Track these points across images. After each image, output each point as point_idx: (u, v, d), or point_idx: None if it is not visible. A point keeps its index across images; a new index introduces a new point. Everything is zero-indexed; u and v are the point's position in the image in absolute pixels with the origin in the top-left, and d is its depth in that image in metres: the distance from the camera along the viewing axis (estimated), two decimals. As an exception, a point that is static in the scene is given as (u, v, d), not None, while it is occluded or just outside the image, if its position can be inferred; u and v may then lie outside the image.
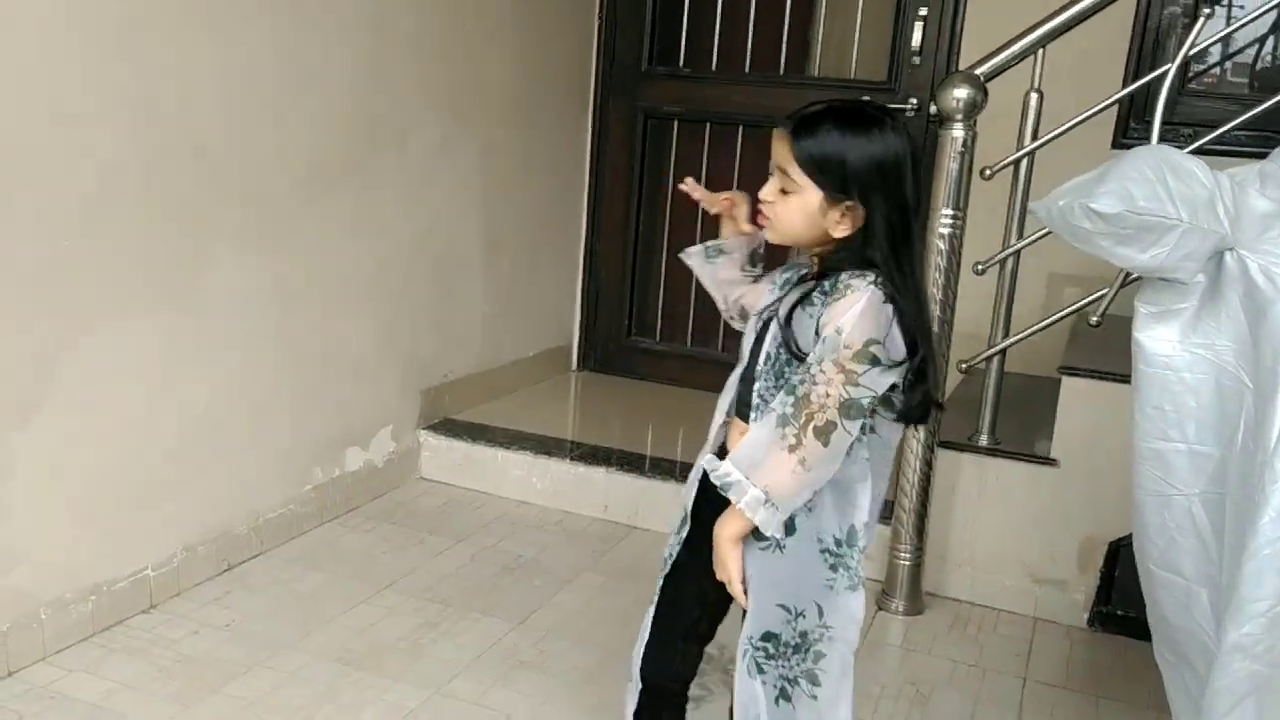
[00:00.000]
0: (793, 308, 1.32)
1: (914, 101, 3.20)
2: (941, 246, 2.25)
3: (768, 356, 1.35)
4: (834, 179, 1.29)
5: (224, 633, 2.12)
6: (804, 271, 1.38)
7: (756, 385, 1.36)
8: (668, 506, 2.77)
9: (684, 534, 1.46)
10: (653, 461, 2.94)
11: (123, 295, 2.05)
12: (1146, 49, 3.03)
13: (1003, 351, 2.42)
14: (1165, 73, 2.26)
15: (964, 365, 2.43)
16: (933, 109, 3.06)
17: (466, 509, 2.85)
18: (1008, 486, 2.42)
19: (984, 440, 2.44)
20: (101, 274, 2.00)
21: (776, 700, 1.36)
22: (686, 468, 2.88)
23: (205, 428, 2.29)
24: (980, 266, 2.37)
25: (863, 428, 1.29)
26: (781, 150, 1.31)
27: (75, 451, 2.00)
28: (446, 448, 3.00)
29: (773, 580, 1.33)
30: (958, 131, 2.23)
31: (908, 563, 2.40)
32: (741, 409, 1.40)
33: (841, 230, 1.30)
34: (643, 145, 3.66)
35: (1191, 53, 2.32)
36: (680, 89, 3.59)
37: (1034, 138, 2.33)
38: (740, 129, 3.52)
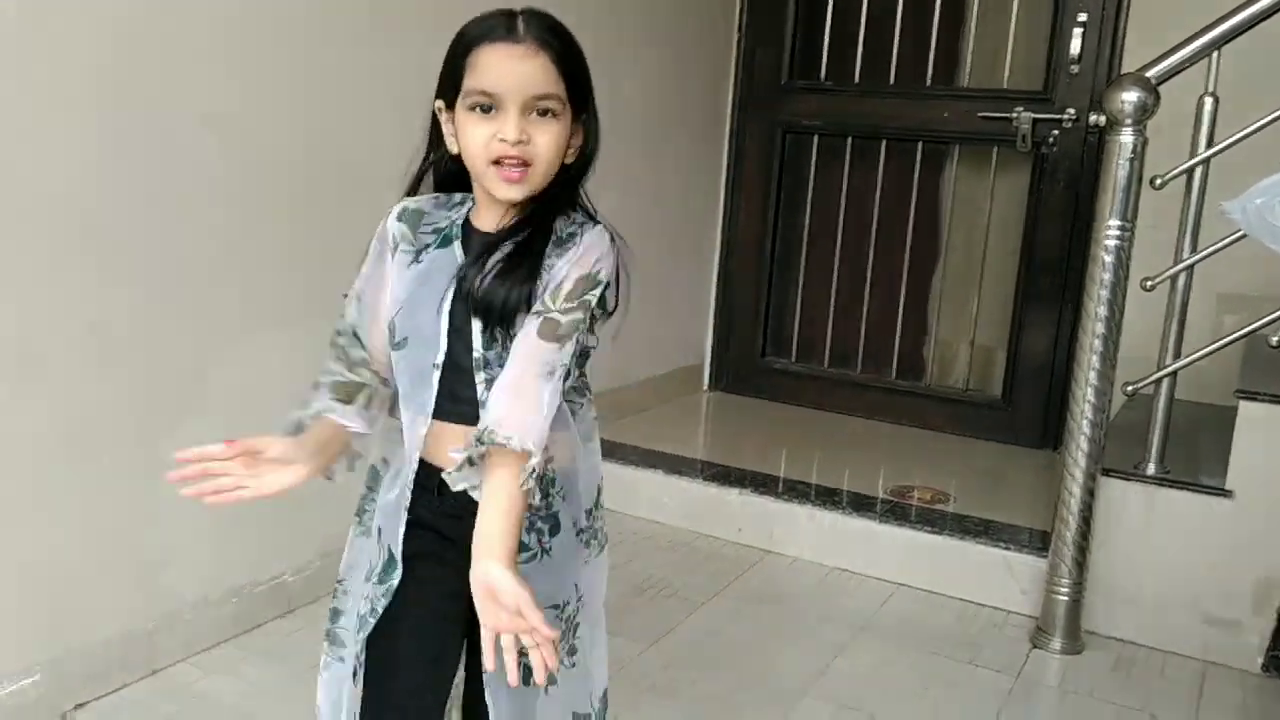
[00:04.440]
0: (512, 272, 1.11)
1: (1071, 112, 3.05)
2: (1107, 260, 2.11)
3: (494, 338, 1.11)
4: (582, 92, 1.13)
5: (358, 641, 2.13)
6: (456, 221, 1.17)
7: (484, 375, 1.12)
8: (804, 531, 2.68)
9: (393, 582, 1.18)
10: (788, 484, 2.85)
11: (269, 306, 2.08)
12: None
13: (1173, 374, 2.25)
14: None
15: (1129, 388, 2.27)
16: (1092, 119, 2.95)
17: (597, 526, 2.81)
18: (1177, 519, 2.24)
19: (1151, 469, 2.27)
20: (250, 284, 2.04)
21: (546, 690, 1.20)
22: (824, 491, 2.80)
23: (344, 436, 2.30)
24: (1150, 283, 2.21)
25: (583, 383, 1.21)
26: (536, 69, 1.07)
27: (221, 455, 2.03)
28: (578, 464, 2.97)
29: (543, 589, 1.09)
30: (1126, 137, 2.09)
31: (1066, 598, 2.24)
32: (449, 407, 1.14)
33: (569, 157, 1.14)
34: (780, 161, 3.59)
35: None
36: (821, 103, 3.50)
37: (1209, 145, 2.17)
38: (884, 142, 3.42)
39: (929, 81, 3.33)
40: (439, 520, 1.17)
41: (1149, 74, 2.14)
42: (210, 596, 2.05)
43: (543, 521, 1.18)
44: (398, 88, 2.29)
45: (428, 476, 1.16)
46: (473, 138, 1.10)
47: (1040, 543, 2.42)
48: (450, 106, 1.13)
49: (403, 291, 1.16)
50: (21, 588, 1.73)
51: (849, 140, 3.48)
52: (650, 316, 3.41)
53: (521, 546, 1.12)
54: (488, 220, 1.16)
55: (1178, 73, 2.18)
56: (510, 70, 1.07)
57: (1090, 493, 2.22)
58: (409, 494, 1.17)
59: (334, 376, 1.23)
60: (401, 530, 1.18)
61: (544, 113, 1.08)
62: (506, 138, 1.07)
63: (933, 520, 2.60)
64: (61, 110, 1.67)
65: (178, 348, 1.92)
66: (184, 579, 2.00)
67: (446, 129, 1.16)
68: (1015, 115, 3.07)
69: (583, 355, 1.17)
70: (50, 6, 1.63)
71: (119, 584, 1.88)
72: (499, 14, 1.10)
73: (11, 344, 1.67)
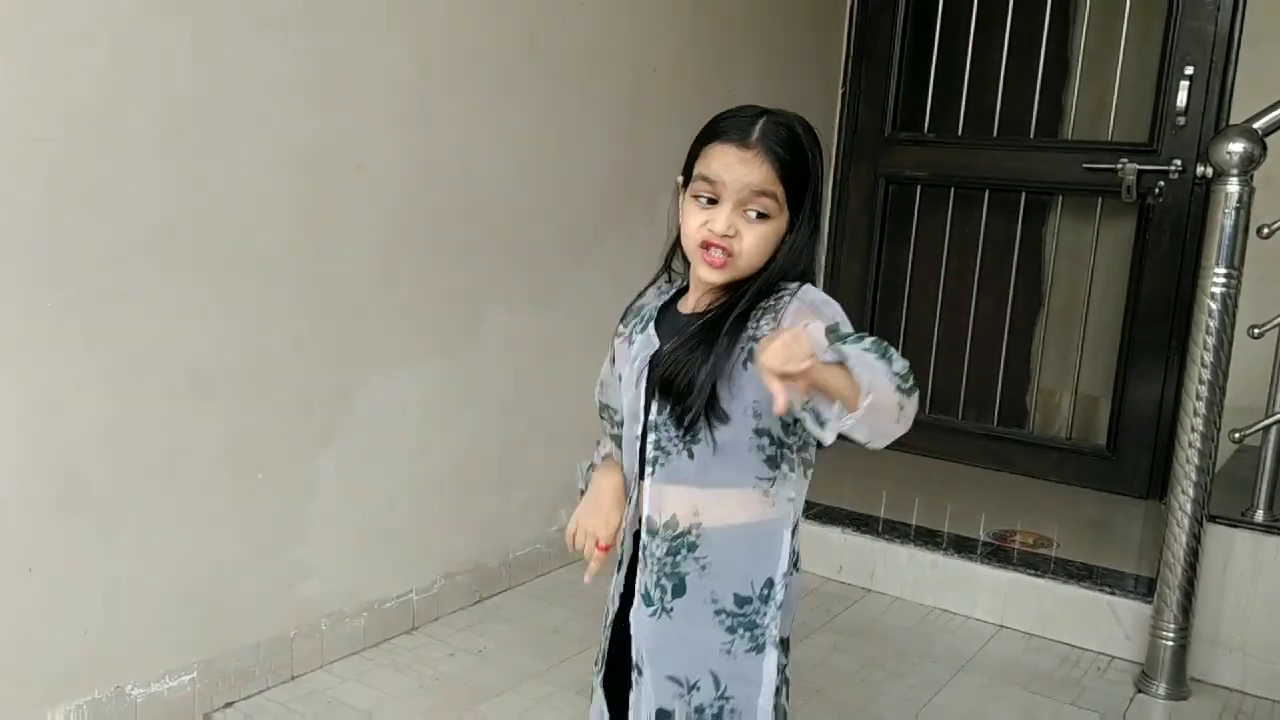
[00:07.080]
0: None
1: (1178, 163, 3.07)
2: (1213, 307, 2.14)
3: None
4: (800, 199, 1.23)
5: (477, 658, 2.25)
6: (667, 300, 1.33)
7: (653, 437, 1.26)
8: (905, 570, 2.73)
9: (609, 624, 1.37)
10: (888, 524, 2.90)
11: (406, 340, 2.24)
12: None
13: (1281, 422, 2.26)
14: None
15: (1237, 435, 2.28)
16: (1199, 170, 2.96)
17: (701, 561, 2.89)
18: (1287, 568, 2.24)
19: (1260, 516, 2.27)
20: (390, 320, 2.20)
21: None
22: (924, 532, 2.84)
23: (467, 466, 2.45)
24: (1258, 330, 2.24)
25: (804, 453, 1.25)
26: (761, 172, 1.20)
27: (362, 479, 2.19)
28: (683, 500, 3.06)
29: (660, 648, 1.26)
30: (1233, 187, 2.13)
31: (1171, 644, 2.25)
32: (652, 470, 1.28)
33: (782, 254, 1.24)
34: (883, 211, 3.67)
35: None
36: (924, 154, 3.58)
37: (1318, 195, 2.20)
38: (986, 193, 3.48)
39: (1032, 134, 3.39)
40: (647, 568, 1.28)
41: (1256, 125, 2.18)
42: (344, 610, 2.19)
43: (666, 578, 1.25)
44: (521, 141, 2.46)
45: (648, 530, 1.28)
46: (689, 222, 1.24)
47: (1145, 588, 2.43)
48: (685, 187, 1.27)
49: (618, 374, 1.34)
50: (184, 591, 1.90)
51: (951, 190, 3.54)
52: (754, 360, 3.49)
53: (645, 598, 1.27)
54: (690, 304, 1.30)
55: (1285, 125, 2.21)
56: (731, 169, 1.20)
57: (1196, 538, 2.23)
58: (629, 541, 1.31)
59: (608, 432, 1.41)
60: (620, 576, 1.34)
61: (759, 215, 1.20)
62: (715, 228, 1.20)
63: (1035, 563, 2.62)
64: (236, 159, 1.86)
65: (327, 377, 2.09)
66: (322, 592, 2.15)
67: (681, 205, 1.28)
68: (1120, 166, 3.11)
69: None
70: (227, 69, 1.83)
71: (267, 592, 2.04)
72: (746, 114, 1.24)
73: (187, 371, 1.85)
